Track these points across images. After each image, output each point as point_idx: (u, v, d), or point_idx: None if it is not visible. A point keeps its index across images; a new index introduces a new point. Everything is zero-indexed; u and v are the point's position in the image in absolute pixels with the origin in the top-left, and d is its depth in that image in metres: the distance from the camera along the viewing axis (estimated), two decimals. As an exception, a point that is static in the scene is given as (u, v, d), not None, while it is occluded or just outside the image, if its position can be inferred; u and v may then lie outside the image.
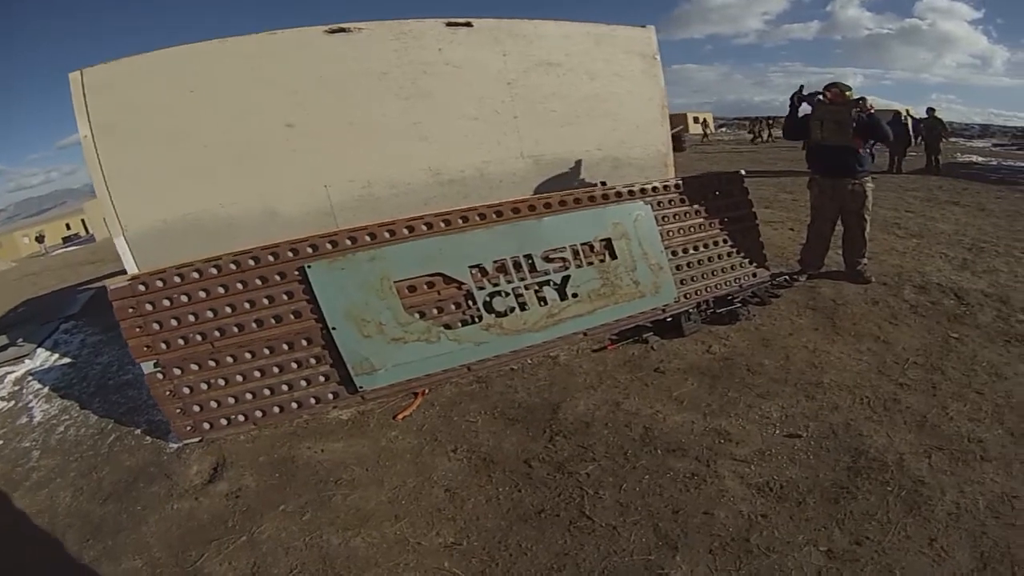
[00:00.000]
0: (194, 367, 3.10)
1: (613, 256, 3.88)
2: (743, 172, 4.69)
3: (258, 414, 3.14)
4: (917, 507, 2.13)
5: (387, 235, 3.39)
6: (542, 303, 3.66)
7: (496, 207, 3.67)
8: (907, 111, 14.63)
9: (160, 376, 3.05)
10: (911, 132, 12.99)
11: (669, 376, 3.27)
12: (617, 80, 4.88)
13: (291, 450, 2.91)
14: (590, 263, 3.82)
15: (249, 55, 3.75)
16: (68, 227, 34.56)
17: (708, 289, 4.21)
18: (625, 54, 4.91)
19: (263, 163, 3.83)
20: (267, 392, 3.17)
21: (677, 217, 4.23)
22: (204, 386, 3.10)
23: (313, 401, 3.22)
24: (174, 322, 3.08)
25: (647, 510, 2.25)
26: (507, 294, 3.57)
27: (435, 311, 3.44)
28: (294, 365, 3.22)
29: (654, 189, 4.19)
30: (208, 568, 2.19)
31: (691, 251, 4.23)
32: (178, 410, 3.06)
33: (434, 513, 2.37)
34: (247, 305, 3.17)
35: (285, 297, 3.21)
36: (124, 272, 3.52)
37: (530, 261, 3.65)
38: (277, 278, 3.21)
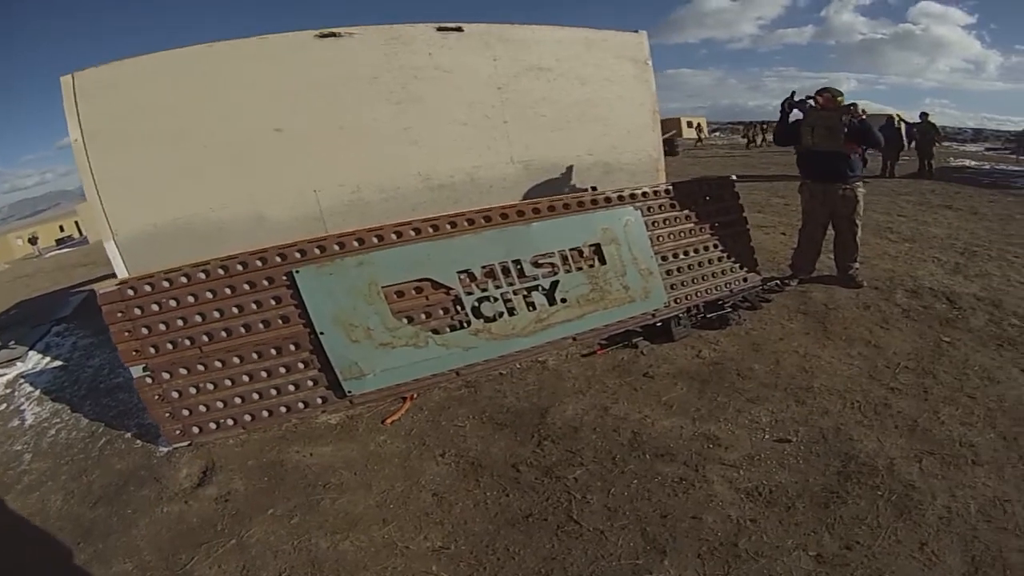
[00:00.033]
0: (183, 371, 3.09)
1: (603, 261, 3.88)
2: (734, 177, 4.70)
3: (247, 418, 3.13)
4: (908, 511, 2.13)
5: (375, 240, 3.39)
6: (531, 308, 3.65)
7: (485, 212, 3.67)
8: (898, 116, 14.73)
9: (149, 380, 3.04)
10: (904, 137, 13.07)
11: (658, 381, 3.27)
12: (608, 85, 4.88)
13: (280, 454, 2.91)
14: (579, 268, 3.81)
15: (240, 59, 3.75)
16: (62, 229, 34.30)
17: (698, 294, 4.22)
18: (616, 59, 4.92)
19: (253, 167, 3.82)
20: (256, 396, 3.16)
21: (667, 222, 4.23)
22: (193, 390, 3.09)
23: (302, 405, 3.20)
24: (163, 326, 3.07)
25: (635, 515, 2.24)
26: (496, 299, 3.56)
27: (423, 316, 3.43)
28: (282, 370, 3.21)
29: (644, 194, 4.19)
30: (197, 571, 2.19)
31: (681, 256, 4.23)
32: (167, 414, 3.05)
33: (422, 517, 2.36)
34: (235, 310, 3.16)
35: (273, 302, 3.20)
36: (115, 275, 3.51)
37: (519, 266, 3.65)
38: (265, 283, 3.20)
